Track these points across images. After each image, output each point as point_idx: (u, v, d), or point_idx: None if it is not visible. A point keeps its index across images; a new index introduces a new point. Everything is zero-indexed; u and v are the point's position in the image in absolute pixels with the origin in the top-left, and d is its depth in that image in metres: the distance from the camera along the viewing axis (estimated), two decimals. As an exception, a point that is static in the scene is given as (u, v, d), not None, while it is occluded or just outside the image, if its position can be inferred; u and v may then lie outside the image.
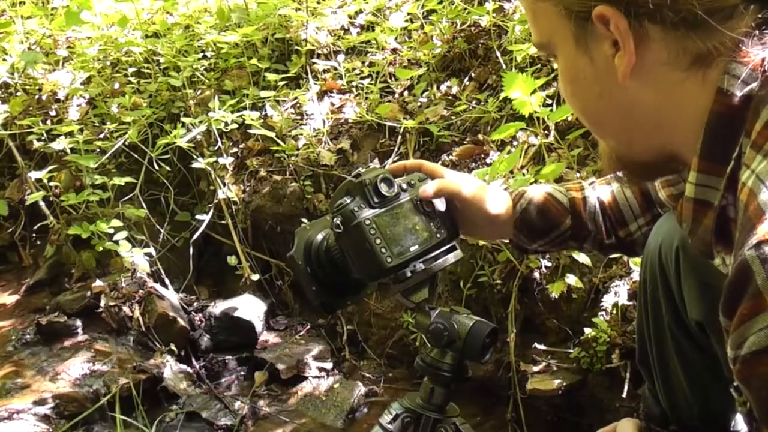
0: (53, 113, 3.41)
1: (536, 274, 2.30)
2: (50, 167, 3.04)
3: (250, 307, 2.83)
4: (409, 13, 3.22)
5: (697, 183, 0.90)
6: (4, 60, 3.51)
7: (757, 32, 0.85)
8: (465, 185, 1.34)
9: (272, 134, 2.98)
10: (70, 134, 3.02)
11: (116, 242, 2.83)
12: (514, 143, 2.56)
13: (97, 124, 3.27)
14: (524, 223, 1.39)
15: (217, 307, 2.84)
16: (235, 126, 3.05)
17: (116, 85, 3.39)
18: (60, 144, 2.98)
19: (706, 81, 0.87)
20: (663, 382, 1.55)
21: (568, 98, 1.00)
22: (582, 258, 2.20)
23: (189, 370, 2.66)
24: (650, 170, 1.03)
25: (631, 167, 1.02)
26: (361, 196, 1.21)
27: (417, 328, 1.34)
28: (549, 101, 2.53)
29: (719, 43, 0.85)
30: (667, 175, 1.09)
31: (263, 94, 3.12)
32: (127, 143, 3.09)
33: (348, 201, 1.20)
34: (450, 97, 2.91)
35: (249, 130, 3.01)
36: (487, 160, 2.58)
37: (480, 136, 2.69)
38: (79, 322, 2.78)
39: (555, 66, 2.62)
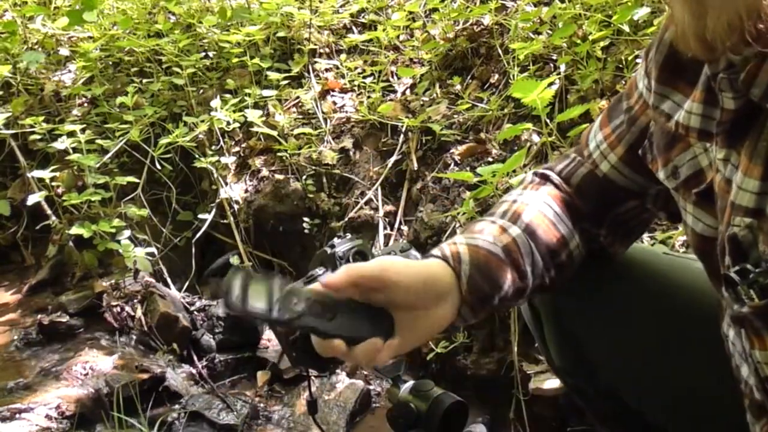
0: (55, 113, 3.41)
1: (539, 274, 2.29)
2: (52, 167, 3.03)
3: (252, 307, 2.82)
4: (411, 12, 3.21)
5: None
6: (6, 60, 3.51)
7: None
8: (388, 266, 1.07)
9: (274, 133, 2.97)
10: (72, 134, 3.02)
11: (118, 242, 2.83)
12: (516, 142, 2.55)
13: (99, 124, 3.26)
14: (474, 292, 1.09)
15: (220, 307, 2.83)
16: (237, 125, 3.05)
17: (118, 85, 3.38)
18: (62, 143, 2.98)
19: None
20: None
21: None
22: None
23: (191, 369, 2.65)
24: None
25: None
26: (333, 270, 1.15)
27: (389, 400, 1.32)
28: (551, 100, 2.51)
29: None
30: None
31: (265, 93, 3.12)
32: (129, 143, 3.09)
33: (320, 273, 1.18)
34: (452, 96, 2.90)
35: (251, 129, 3.01)
36: (490, 159, 2.58)
37: (482, 135, 2.68)
38: (81, 322, 2.78)
39: (557, 66, 2.61)
